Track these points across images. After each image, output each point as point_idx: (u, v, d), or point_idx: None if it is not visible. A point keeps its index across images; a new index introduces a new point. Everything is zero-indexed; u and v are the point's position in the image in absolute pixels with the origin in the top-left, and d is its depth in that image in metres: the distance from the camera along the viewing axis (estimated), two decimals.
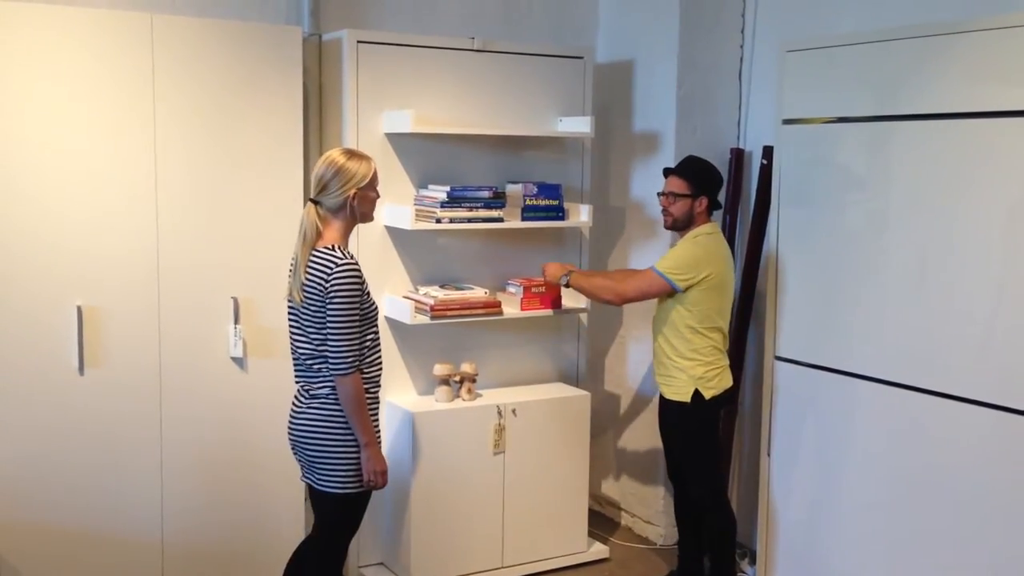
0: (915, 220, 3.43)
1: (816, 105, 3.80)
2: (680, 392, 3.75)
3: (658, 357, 3.86)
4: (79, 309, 3.47)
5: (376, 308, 3.13)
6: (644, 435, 4.70)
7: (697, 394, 3.72)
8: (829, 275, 3.75)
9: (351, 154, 3.06)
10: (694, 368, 3.73)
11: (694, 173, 3.78)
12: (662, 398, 3.89)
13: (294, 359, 3.11)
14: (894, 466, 3.53)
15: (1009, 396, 3.15)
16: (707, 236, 3.75)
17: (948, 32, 3.31)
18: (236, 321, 3.73)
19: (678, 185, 3.78)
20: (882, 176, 3.55)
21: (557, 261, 4.19)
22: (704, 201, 3.76)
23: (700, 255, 3.69)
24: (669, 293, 3.71)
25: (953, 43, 3.29)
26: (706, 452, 3.85)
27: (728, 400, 3.90)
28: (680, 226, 3.81)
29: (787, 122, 3.90)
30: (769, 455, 4.04)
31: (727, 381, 3.82)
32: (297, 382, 3.13)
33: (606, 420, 4.96)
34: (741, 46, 4.49)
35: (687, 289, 3.67)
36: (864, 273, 3.61)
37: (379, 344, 3.14)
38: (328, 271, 2.93)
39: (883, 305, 3.54)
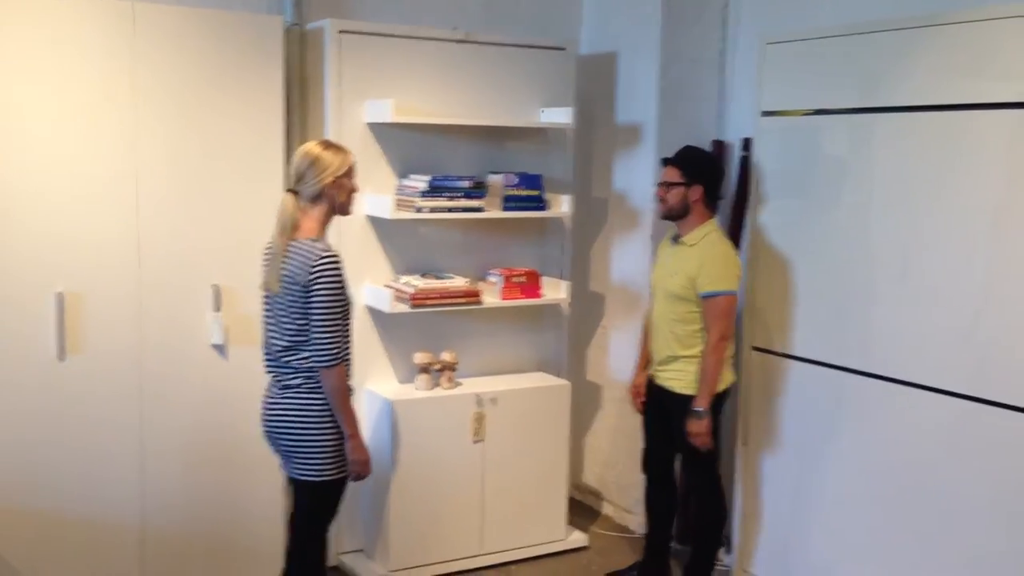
0: (895, 211, 3.46)
1: (796, 97, 3.82)
2: (693, 386, 3.75)
3: (665, 352, 3.83)
4: (59, 296, 3.48)
5: (351, 299, 3.14)
6: (625, 424, 4.73)
7: None
8: (809, 266, 3.78)
9: (328, 144, 3.08)
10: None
11: (687, 162, 3.78)
12: (662, 392, 3.87)
13: (265, 351, 3.12)
14: (873, 458, 3.57)
15: (991, 389, 3.17)
16: (717, 234, 3.77)
17: (927, 24, 3.34)
18: (217, 309, 3.74)
19: (672, 174, 3.79)
20: (862, 168, 3.58)
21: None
22: (699, 190, 3.74)
23: (729, 253, 3.73)
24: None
25: (932, 35, 3.32)
26: (712, 444, 3.87)
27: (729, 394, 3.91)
28: (675, 215, 3.80)
29: (767, 114, 3.93)
30: (745, 444, 4.08)
31: (732, 375, 3.84)
32: (268, 373, 3.14)
33: (587, 409, 4.99)
34: (723, 38, 4.51)
35: None
36: (844, 265, 3.64)
37: (351, 335, 3.15)
38: (310, 263, 2.93)
39: (863, 297, 3.57)
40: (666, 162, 3.84)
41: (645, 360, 4.04)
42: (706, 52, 4.52)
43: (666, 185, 3.78)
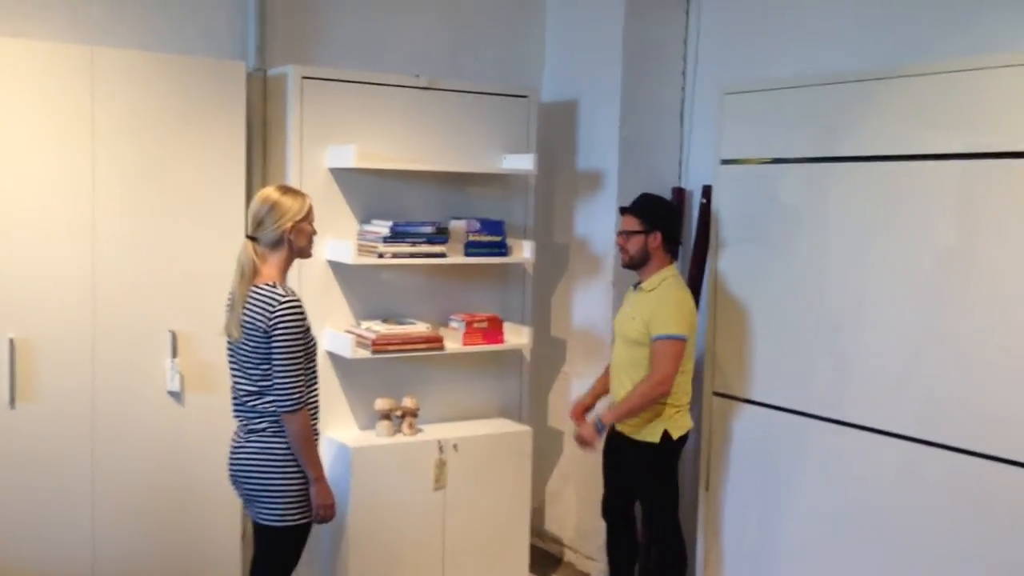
0: (852, 259, 3.51)
1: (754, 146, 3.89)
2: (649, 433, 3.75)
3: (622, 394, 3.81)
4: (11, 342, 3.42)
5: (315, 343, 3.13)
6: (585, 470, 4.71)
7: (666, 434, 3.73)
8: (767, 312, 3.82)
9: (285, 190, 3.08)
10: (666, 409, 3.74)
11: (645, 210, 3.82)
12: (619, 437, 3.87)
13: (233, 396, 3.10)
14: (831, 500, 3.59)
15: (940, 432, 3.22)
16: (675, 279, 3.78)
17: (881, 77, 3.42)
18: (174, 355, 3.69)
19: (630, 223, 3.82)
20: (818, 215, 3.64)
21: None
22: (658, 236, 3.77)
23: (683, 299, 3.74)
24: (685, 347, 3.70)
25: (886, 88, 3.40)
26: (670, 490, 3.87)
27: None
28: (637, 263, 3.83)
29: (725, 162, 3.99)
30: (707, 489, 4.08)
31: (689, 421, 3.85)
32: (235, 417, 3.11)
33: (548, 455, 4.97)
34: (683, 88, 4.59)
35: None
36: (801, 310, 3.68)
37: (316, 378, 3.13)
38: (271, 309, 2.92)
39: (819, 342, 3.61)
40: (624, 211, 3.88)
41: (598, 390, 4.07)
42: (666, 101, 4.59)
43: (625, 234, 3.82)
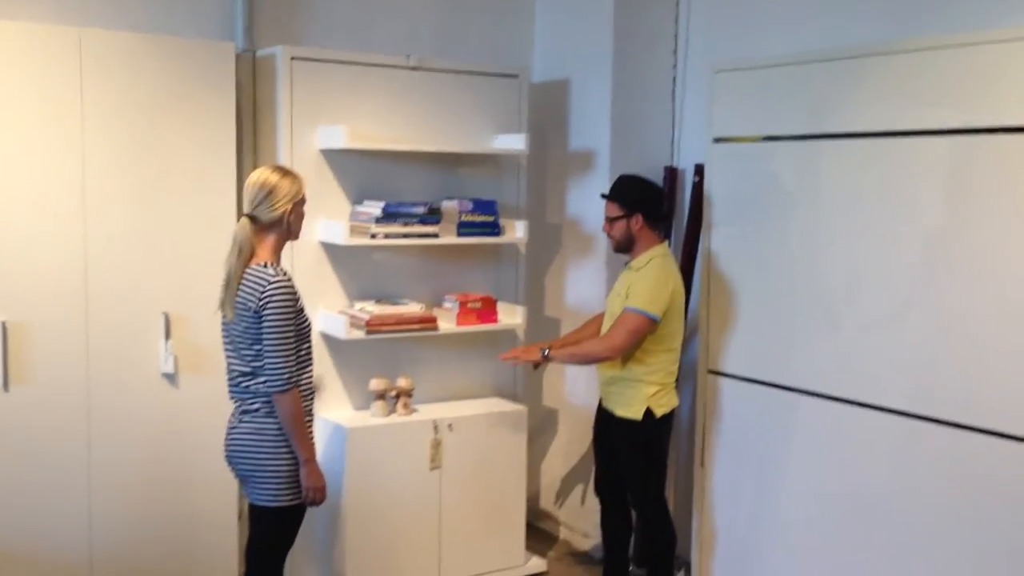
0: (844, 236, 3.52)
1: (746, 124, 3.89)
2: (632, 410, 3.76)
3: (608, 375, 3.84)
4: (3, 325, 3.41)
5: (309, 324, 3.13)
6: (581, 449, 4.73)
7: (648, 412, 3.74)
8: (762, 290, 3.83)
9: (283, 171, 3.08)
10: (647, 387, 3.74)
11: (622, 193, 3.81)
12: (607, 415, 3.89)
13: (228, 377, 3.10)
14: (825, 477, 3.61)
15: (934, 407, 3.23)
16: (662, 258, 3.77)
17: (872, 54, 3.42)
18: (167, 337, 3.69)
19: (611, 209, 3.82)
20: (812, 193, 3.64)
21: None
22: (639, 218, 3.77)
23: (663, 278, 3.71)
24: (653, 327, 3.69)
25: (877, 64, 3.40)
26: (654, 469, 3.87)
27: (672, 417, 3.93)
28: (625, 247, 3.83)
29: (718, 140, 3.99)
30: (703, 467, 4.10)
31: (674, 400, 3.85)
32: (231, 399, 3.12)
33: (543, 434, 4.99)
34: (674, 66, 4.58)
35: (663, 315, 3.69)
36: (797, 288, 3.69)
37: (311, 359, 3.14)
38: (261, 289, 2.93)
39: (816, 319, 3.62)
40: (604, 197, 3.88)
41: (568, 339, 4.12)
42: (658, 79, 4.58)
43: (609, 220, 3.82)
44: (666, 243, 3.87)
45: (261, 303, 2.92)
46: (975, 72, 3.12)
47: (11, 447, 3.47)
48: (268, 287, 2.92)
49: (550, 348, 3.88)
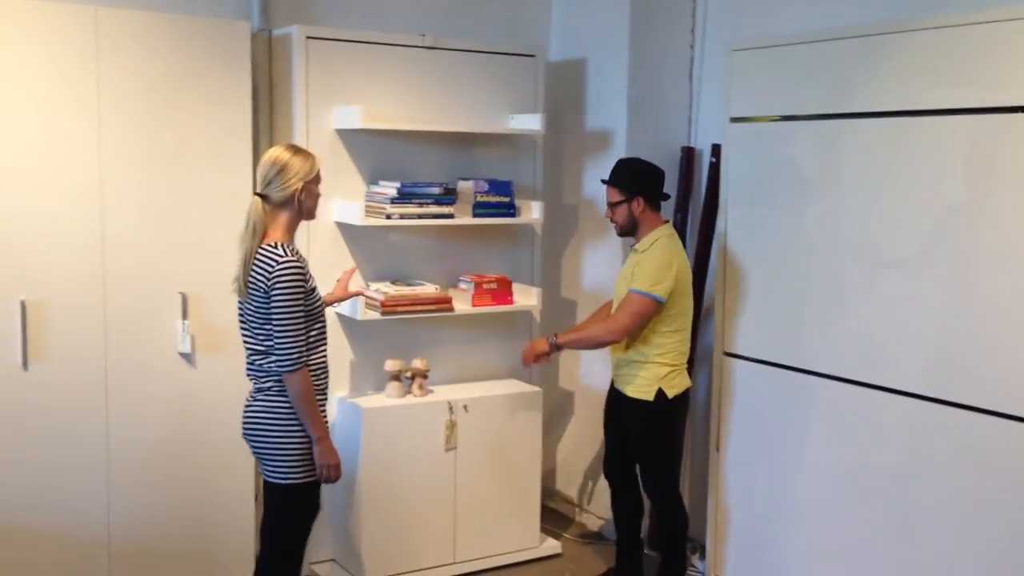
0: (863, 216, 3.48)
1: (764, 104, 3.85)
2: (643, 391, 3.75)
3: (619, 357, 3.84)
4: (23, 304, 3.43)
5: (322, 304, 3.13)
6: (597, 431, 4.71)
7: (661, 393, 3.73)
8: (778, 272, 3.80)
9: (296, 149, 3.07)
10: (659, 368, 3.73)
11: (620, 178, 3.79)
12: (619, 395, 3.88)
13: (246, 355, 3.11)
14: (842, 460, 3.59)
15: (952, 391, 3.21)
16: (667, 238, 3.75)
17: (891, 31, 3.37)
18: (184, 316, 3.71)
19: (611, 194, 3.80)
20: (830, 173, 3.61)
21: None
22: (640, 201, 3.75)
23: (666, 259, 3.69)
24: (658, 309, 3.68)
25: (896, 42, 3.35)
26: (665, 451, 3.87)
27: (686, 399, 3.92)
28: (628, 231, 3.82)
29: (735, 120, 3.95)
30: (718, 450, 4.09)
31: (687, 381, 3.84)
32: (248, 377, 3.13)
33: (559, 416, 4.99)
34: (691, 45, 4.53)
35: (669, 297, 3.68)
36: (813, 270, 3.66)
37: (325, 339, 3.14)
38: (270, 269, 2.93)
39: (832, 301, 3.59)
40: (604, 183, 3.85)
41: (580, 326, 4.21)
42: (674, 59, 4.55)
43: (611, 206, 3.80)
44: (670, 223, 3.86)
45: (270, 283, 2.92)
46: (998, 50, 3.07)
47: (30, 425, 3.50)
48: (277, 267, 2.93)
49: (556, 335, 3.89)
